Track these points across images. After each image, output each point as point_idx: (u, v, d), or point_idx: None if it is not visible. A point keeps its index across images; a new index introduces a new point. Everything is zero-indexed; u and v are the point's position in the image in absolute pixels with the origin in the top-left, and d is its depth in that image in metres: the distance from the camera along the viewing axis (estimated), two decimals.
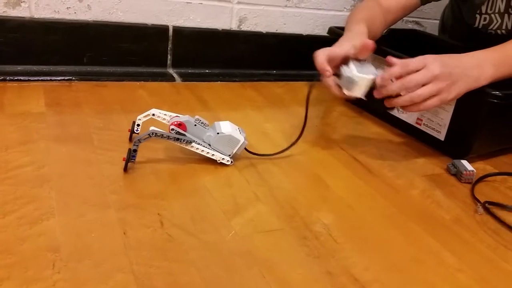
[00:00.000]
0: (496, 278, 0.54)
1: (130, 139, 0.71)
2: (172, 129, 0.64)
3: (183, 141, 0.64)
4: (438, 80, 0.68)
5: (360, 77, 0.67)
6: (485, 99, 0.75)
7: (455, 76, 0.69)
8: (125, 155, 0.62)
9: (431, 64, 0.67)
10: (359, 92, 0.69)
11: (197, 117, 0.66)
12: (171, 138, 0.64)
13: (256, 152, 0.71)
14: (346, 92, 0.70)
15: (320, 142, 0.72)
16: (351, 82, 0.68)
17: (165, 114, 0.68)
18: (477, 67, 0.72)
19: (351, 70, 0.68)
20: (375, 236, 0.58)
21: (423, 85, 0.67)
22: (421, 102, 0.68)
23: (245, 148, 0.69)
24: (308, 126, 0.75)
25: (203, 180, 0.64)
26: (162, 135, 0.63)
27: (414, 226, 0.61)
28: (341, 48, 0.73)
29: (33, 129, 0.70)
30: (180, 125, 0.65)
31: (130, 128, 0.71)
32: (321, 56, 0.71)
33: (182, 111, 0.70)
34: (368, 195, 0.67)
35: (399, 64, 0.67)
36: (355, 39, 0.74)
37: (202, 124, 0.66)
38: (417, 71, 0.67)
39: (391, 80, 0.67)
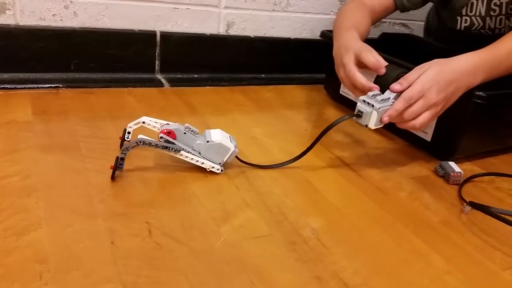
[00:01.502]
0: (484, 279, 0.54)
1: (121, 146, 0.71)
2: (161, 137, 0.64)
3: (172, 149, 0.64)
4: (434, 106, 0.70)
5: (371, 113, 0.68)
6: (470, 100, 0.76)
7: (450, 95, 0.71)
8: (113, 163, 0.62)
9: (428, 92, 0.68)
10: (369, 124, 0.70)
11: (187, 125, 0.66)
12: (159, 147, 0.64)
13: (248, 162, 0.71)
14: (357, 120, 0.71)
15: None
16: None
17: (155, 122, 0.68)
18: (471, 74, 0.72)
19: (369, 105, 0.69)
20: (364, 239, 0.58)
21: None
22: (412, 119, 0.70)
23: (236, 157, 0.69)
24: (298, 130, 0.75)
25: (192, 187, 0.64)
26: (150, 143, 0.63)
27: (402, 229, 0.62)
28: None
29: (20, 138, 0.70)
30: (169, 133, 0.65)
31: (121, 135, 0.71)
32: (359, 75, 0.73)
33: (170, 117, 0.70)
34: (356, 198, 0.68)
35: (401, 100, 0.68)
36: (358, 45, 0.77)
37: (192, 132, 0.66)
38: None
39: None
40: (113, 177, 0.62)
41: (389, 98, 0.68)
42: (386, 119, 0.68)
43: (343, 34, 0.83)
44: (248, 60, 1.16)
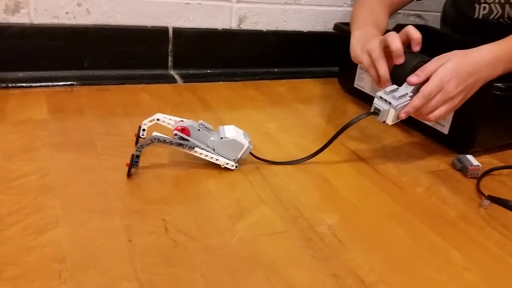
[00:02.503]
0: (504, 275, 0.53)
1: (136, 143, 0.71)
2: (175, 134, 0.64)
3: (186, 146, 0.64)
4: (452, 99, 0.68)
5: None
6: (488, 91, 0.74)
7: (469, 88, 0.69)
8: (128, 161, 0.62)
9: (447, 85, 0.67)
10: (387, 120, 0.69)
11: (201, 121, 0.66)
12: (173, 144, 0.64)
13: (262, 158, 0.71)
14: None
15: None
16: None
17: (170, 119, 0.68)
18: (491, 66, 0.71)
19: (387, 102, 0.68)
20: (380, 236, 0.58)
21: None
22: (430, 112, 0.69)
23: (251, 153, 0.69)
24: (312, 125, 0.74)
25: (207, 184, 0.64)
26: (165, 140, 0.63)
27: (419, 224, 0.61)
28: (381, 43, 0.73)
29: (36, 137, 0.70)
30: (183, 130, 0.65)
31: (136, 133, 0.71)
32: (384, 64, 0.72)
33: (184, 113, 0.70)
34: (372, 193, 0.67)
35: (420, 97, 0.67)
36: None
37: (206, 129, 0.66)
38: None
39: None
40: (129, 175, 0.62)
41: (406, 93, 0.67)
42: (403, 115, 0.67)
43: (365, 27, 0.82)
44: (260, 55, 1.15)
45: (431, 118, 0.69)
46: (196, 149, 0.65)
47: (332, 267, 0.51)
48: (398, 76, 0.70)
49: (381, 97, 0.67)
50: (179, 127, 0.64)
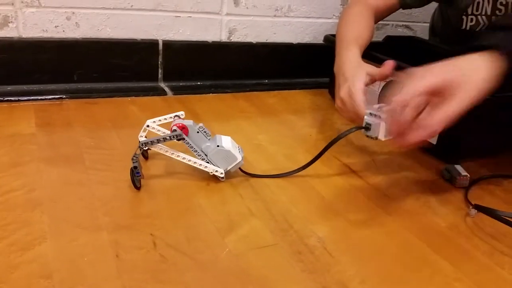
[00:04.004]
0: (494, 286, 0.53)
1: (146, 158, 0.71)
2: (174, 130, 0.64)
3: (174, 137, 0.63)
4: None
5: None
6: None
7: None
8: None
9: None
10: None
11: (201, 124, 0.66)
12: (161, 141, 0.63)
13: (250, 173, 0.70)
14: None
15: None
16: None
17: (159, 121, 0.67)
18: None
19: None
20: (371, 247, 0.58)
21: None
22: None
23: (240, 168, 0.69)
24: (302, 136, 0.74)
25: (197, 197, 0.64)
26: (152, 141, 0.63)
27: (409, 235, 0.61)
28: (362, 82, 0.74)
29: (24, 151, 0.70)
30: (183, 128, 0.64)
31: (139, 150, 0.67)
32: (360, 98, 0.72)
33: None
34: (362, 204, 0.67)
35: (402, 93, 0.66)
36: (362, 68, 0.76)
37: (205, 133, 0.66)
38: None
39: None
40: (137, 187, 0.62)
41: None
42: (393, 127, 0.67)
43: (343, 53, 0.83)
44: (251, 66, 1.15)
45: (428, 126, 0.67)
46: (185, 156, 0.65)
47: (322, 280, 0.51)
48: (387, 96, 0.70)
49: (370, 113, 0.68)
50: (180, 124, 0.64)
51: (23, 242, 0.51)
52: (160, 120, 0.67)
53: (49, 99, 0.90)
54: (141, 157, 0.69)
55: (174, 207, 0.61)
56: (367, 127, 0.68)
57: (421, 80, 0.61)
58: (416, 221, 0.64)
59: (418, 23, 1.37)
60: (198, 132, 0.66)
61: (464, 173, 0.75)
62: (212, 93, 1.06)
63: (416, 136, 0.60)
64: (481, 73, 0.62)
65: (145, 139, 0.63)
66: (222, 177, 0.67)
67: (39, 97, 0.90)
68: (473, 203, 0.68)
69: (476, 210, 0.66)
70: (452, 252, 0.58)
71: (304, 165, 0.72)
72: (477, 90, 0.62)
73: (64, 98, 0.91)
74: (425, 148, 0.86)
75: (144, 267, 0.49)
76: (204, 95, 1.05)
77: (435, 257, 0.57)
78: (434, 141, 0.83)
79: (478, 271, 0.55)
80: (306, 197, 0.67)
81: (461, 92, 0.61)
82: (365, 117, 0.69)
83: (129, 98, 0.96)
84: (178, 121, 0.66)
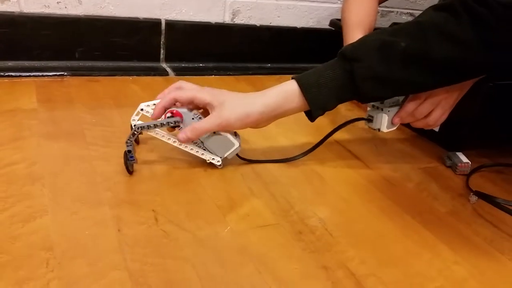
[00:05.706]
0: (492, 270, 0.54)
1: (137, 142, 0.70)
2: (170, 116, 0.63)
3: (171, 123, 0.62)
4: (445, 99, 0.67)
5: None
6: (479, 90, 0.74)
7: (460, 85, 0.68)
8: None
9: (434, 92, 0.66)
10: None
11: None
12: (157, 126, 0.62)
13: (249, 158, 0.69)
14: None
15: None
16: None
17: (153, 106, 0.66)
18: None
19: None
20: (371, 230, 0.58)
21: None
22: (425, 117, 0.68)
23: (237, 155, 0.68)
24: (303, 119, 0.74)
25: (198, 175, 0.64)
26: (148, 126, 0.61)
27: (410, 219, 0.61)
28: None
29: (25, 126, 0.69)
30: (176, 113, 0.63)
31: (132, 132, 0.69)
32: None
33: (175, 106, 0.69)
34: (363, 188, 0.67)
35: (411, 101, 0.66)
36: None
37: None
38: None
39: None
40: (129, 171, 0.61)
41: (398, 100, 0.68)
42: (397, 120, 0.67)
43: (349, 40, 0.82)
44: (253, 49, 1.15)
45: (431, 122, 0.68)
46: (181, 144, 0.64)
47: (322, 260, 0.51)
48: None
49: (373, 105, 0.68)
50: (174, 110, 0.63)
51: (24, 214, 0.50)
52: (154, 104, 0.66)
53: (51, 75, 0.89)
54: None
55: (175, 185, 0.61)
56: (370, 119, 0.68)
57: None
58: (416, 205, 0.65)
59: (421, 11, 1.35)
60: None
61: (465, 160, 0.75)
62: (214, 75, 1.06)
63: (427, 124, 0.65)
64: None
65: (141, 122, 0.62)
66: (220, 165, 0.66)
67: (41, 74, 0.89)
68: (472, 190, 0.68)
69: (476, 197, 0.66)
70: (451, 237, 0.59)
71: (305, 151, 0.72)
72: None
73: (65, 75, 0.91)
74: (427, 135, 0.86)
75: (145, 241, 0.49)
76: (206, 76, 1.04)
77: (434, 241, 0.57)
78: (436, 128, 0.83)
79: (477, 256, 0.56)
80: (307, 179, 0.67)
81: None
82: (368, 109, 0.69)
83: (130, 77, 0.95)
84: (172, 108, 0.65)
